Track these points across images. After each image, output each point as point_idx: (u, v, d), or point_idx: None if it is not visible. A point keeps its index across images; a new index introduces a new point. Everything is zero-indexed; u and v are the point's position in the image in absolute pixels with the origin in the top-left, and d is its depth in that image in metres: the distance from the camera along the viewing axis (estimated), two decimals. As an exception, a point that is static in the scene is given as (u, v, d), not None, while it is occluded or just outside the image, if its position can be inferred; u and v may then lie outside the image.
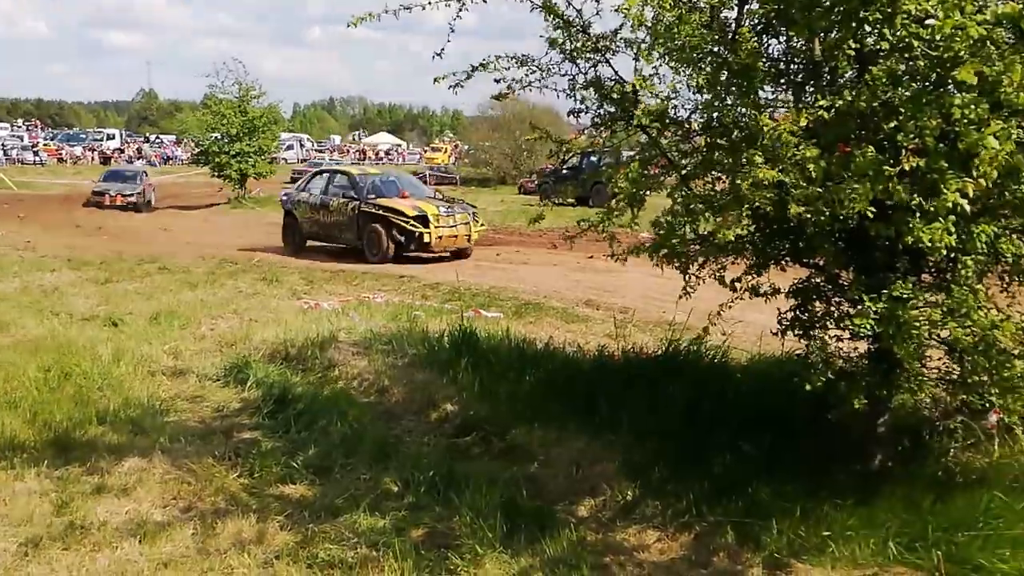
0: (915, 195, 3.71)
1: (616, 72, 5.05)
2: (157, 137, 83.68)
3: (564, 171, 26.58)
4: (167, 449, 5.90)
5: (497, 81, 5.17)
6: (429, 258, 18.31)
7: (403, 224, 17.80)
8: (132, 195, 33.54)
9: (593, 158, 21.40)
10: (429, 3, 4.91)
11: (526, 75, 5.09)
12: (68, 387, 7.12)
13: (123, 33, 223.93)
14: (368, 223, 18.27)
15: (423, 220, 17.79)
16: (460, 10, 5.00)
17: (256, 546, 4.60)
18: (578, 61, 5.05)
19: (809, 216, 3.86)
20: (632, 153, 5.31)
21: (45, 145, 67.96)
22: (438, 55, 5.05)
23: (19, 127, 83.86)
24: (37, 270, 15.06)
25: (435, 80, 5.08)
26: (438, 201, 19.34)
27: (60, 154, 64.45)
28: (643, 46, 4.66)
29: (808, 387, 4.19)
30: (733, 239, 4.20)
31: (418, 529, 4.83)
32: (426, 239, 17.69)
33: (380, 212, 18.12)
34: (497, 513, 4.79)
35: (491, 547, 4.49)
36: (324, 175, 21.05)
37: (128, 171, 39.50)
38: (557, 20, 4.94)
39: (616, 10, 4.52)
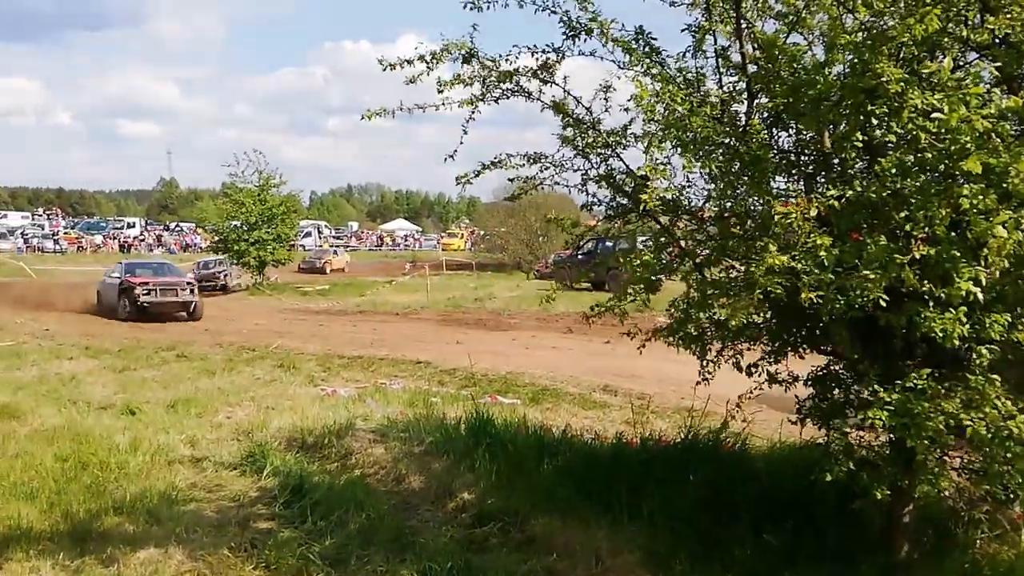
0: (927, 282, 3.74)
1: (627, 165, 5.16)
2: (177, 225, 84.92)
3: (579, 256, 26.72)
4: (183, 540, 5.85)
5: (511, 180, 5.32)
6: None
7: None
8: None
9: (608, 243, 21.57)
10: (443, 104, 5.05)
11: (540, 171, 5.21)
12: (85, 477, 7.12)
13: (144, 124, 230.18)
14: None
15: None
16: (473, 112, 5.14)
17: (272, 642, 4.53)
18: (590, 156, 5.16)
19: (822, 303, 3.89)
20: (646, 239, 5.38)
21: (65, 233, 69.12)
22: (451, 157, 5.19)
23: (40, 216, 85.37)
24: (55, 358, 15.19)
25: (457, 179, 5.20)
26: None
27: (80, 242, 65.45)
28: (654, 139, 4.76)
29: (828, 477, 4.15)
30: (745, 325, 4.22)
31: (436, 625, 4.74)
32: None
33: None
34: (517, 608, 4.70)
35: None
36: None
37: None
38: (568, 119, 5.08)
39: (629, 99, 4.65)
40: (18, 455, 7.73)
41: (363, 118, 5.18)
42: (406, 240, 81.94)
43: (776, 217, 3.90)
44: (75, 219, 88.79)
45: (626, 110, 4.73)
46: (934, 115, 3.68)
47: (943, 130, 3.65)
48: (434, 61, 4.92)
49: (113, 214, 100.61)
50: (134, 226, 75.86)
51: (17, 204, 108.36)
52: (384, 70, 4.94)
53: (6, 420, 9.33)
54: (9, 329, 20.76)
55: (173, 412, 9.95)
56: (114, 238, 68.55)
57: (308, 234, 67.59)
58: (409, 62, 4.93)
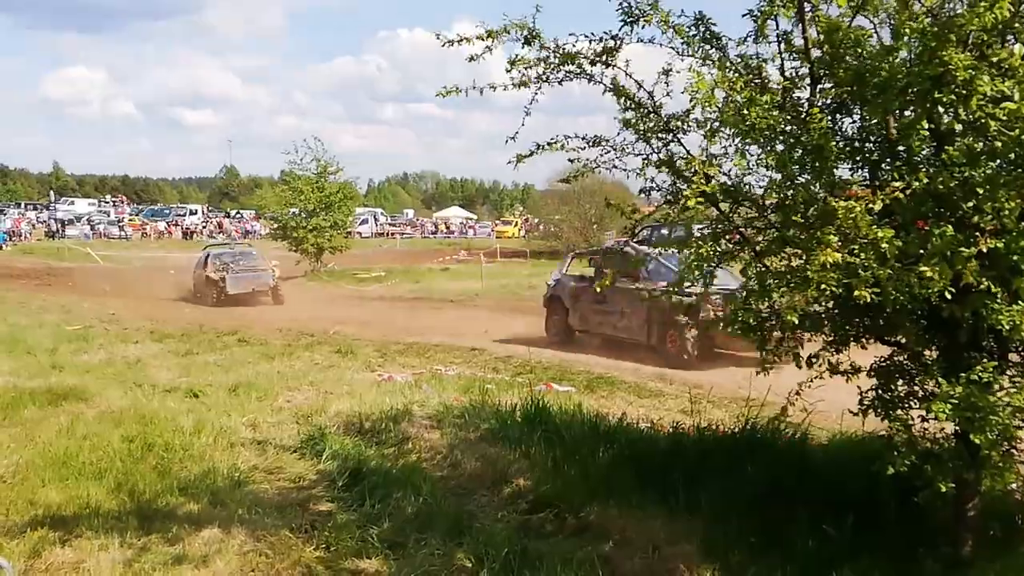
0: (987, 278, 3.64)
1: (688, 151, 5.11)
2: (238, 212, 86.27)
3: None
4: (245, 520, 5.98)
5: (571, 161, 5.28)
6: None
7: None
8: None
9: (664, 230, 21.33)
10: (511, 84, 5.07)
11: (600, 155, 5.19)
12: (151, 458, 7.31)
13: (205, 112, 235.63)
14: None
15: None
16: (536, 94, 5.14)
17: (333, 622, 4.61)
18: (651, 140, 5.12)
19: (881, 296, 3.81)
20: (703, 226, 5.32)
21: (130, 220, 70.75)
22: (512, 139, 5.18)
23: (106, 203, 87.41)
24: (121, 342, 15.60)
25: (515, 159, 5.20)
26: None
27: (144, 229, 66.95)
28: (713, 126, 4.70)
29: (891, 470, 4.08)
30: (805, 315, 4.16)
31: (492, 608, 4.78)
32: None
33: None
34: (572, 595, 4.72)
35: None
36: None
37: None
38: (629, 102, 5.04)
39: (682, 91, 4.59)
40: (87, 436, 7.96)
41: (437, 95, 5.28)
42: (461, 228, 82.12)
43: (840, 212, 3.82)
44: (139, 206, 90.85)
45: (684, 91, 4.66)
46: (1004, 103, 3.58)
47: (1014, 118, 3.55)
48: (493, 40, 4.92)
49: (176, 201, 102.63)
50: (196, 213, 77.32)
51: (84, 191, 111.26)
52: (443, 46, 4.99)
53: (75, 402, 9.62)
54: (77, 313, 21.38)
55: (235, 395, 10.14)
56: (177, 225, 69.93)
57: (364, 221, 68.25)
58: (467, 40, 4.95)
